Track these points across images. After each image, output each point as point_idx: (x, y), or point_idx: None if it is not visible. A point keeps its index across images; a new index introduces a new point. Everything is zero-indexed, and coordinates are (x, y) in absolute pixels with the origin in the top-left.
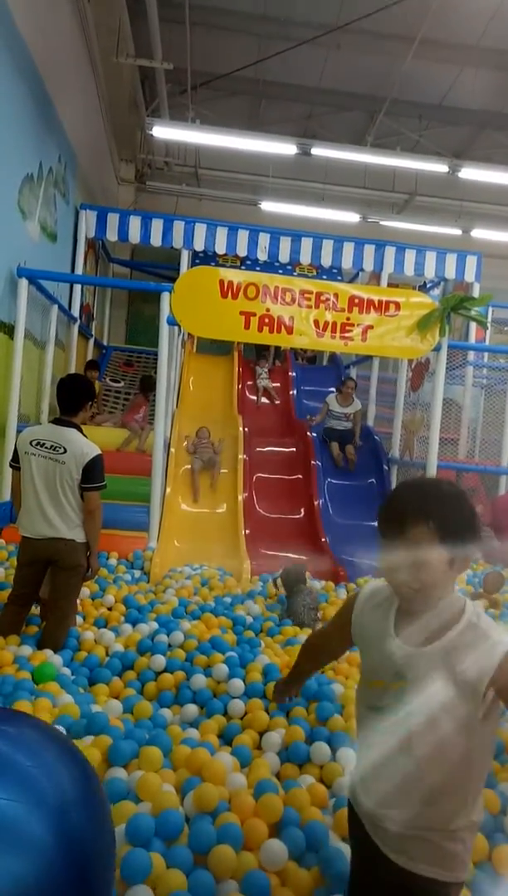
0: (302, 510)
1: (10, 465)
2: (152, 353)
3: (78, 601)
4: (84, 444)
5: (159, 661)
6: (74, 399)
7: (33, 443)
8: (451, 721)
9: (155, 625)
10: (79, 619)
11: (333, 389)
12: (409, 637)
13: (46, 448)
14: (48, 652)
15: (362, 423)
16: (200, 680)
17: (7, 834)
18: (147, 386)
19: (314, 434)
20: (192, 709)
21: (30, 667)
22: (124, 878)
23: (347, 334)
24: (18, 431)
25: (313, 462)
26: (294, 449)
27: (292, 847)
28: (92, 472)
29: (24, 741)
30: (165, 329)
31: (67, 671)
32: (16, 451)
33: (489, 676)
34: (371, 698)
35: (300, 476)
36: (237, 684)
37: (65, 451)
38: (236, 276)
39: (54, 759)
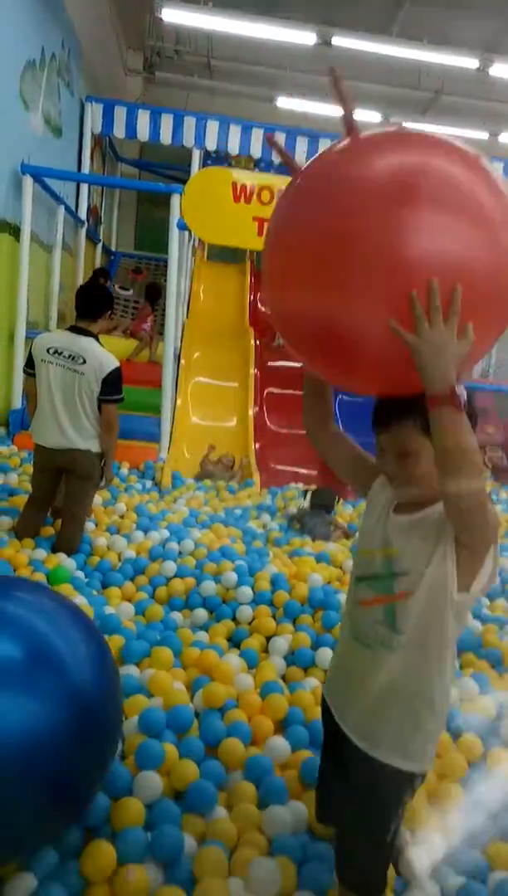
0: None
1: (25, 371)
2: (162, 260)
3: (91, 508)
4: (104, 355)
5: (170, 567)
6: (93, 306)
7: (50, 350)
8: (429, 592)
9: (166, 533)
10: (91, 525)
11: None
12: (402, 509)
13: (65, 357)
14: (62, 556)
15: None
16: (209, 586)
17: (20, 682)
18: (153, 294)
19: None
20: (201, 613)
21: (45, 569)
22: (139, 766)
23: None
24: (28, 339)
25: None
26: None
27: (296, 744)
28: (111, 385)
29: (41, 606)
30: (175, 234)
31: (80, 574)
32: (31, 357)
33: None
34: (359, 568)
35: None
36: (246, 591)
37: (84, 361)
38: (249, 178)
39: (67, 622)
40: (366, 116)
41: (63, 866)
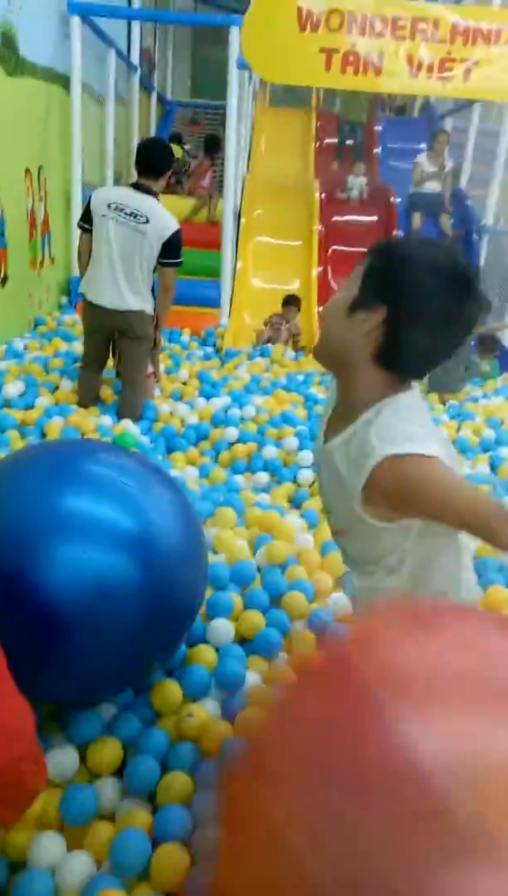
0: None
1: (80, 226)
2: (221, 108)
3: (161, 373)
4: (166, 217)
5: (232, 432)
6: (156, 163)
7: (111, 206)
8: (360, 524)
9: (228, 399)
10: (156, 392)
11: (424, 147)
12: (329, 426)
13: (127, 214)
14: (127, 422)
15: (451, 186)
16: (271, 451)
17: (116, 540)
18: (212, 147)
19: (399, 200)
20: (263, 476)
21: (111, 435)
22: (210, 615)
23: (446, 73)
24: (84, 200)
25: (394, 233)
26: (375, 218)
27: None
28: (173, 248)
29: (129, 468)
30: (234, 74)
31: (145, 440)
32: (87, 212)
33: (360, 486)
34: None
35: None
36: (307, 456)
37: (147, 221)
38: (316, 1)
39: (153, 483)
40: None
41: (137, 699)
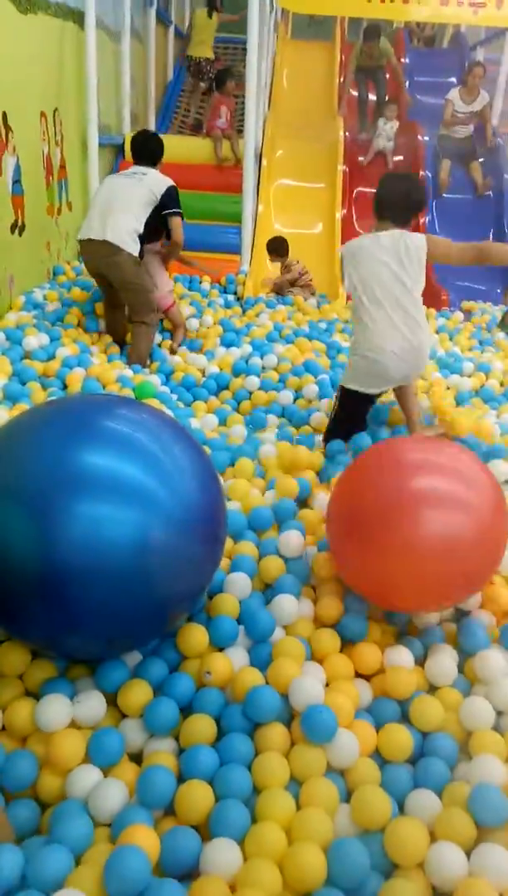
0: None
1: None
2: (240, 42)
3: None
4: (163, 176)
5: (253, 381)
6: (149, 152)
7: (116, 175)
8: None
9: (249, 348)
10: (176, 358)
11: (454, 81)
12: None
13: (128, 174)
14: (147, 372)
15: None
16: (287, 397)
17: (133, 495)
18: (221, 80)
19: (426, 138)
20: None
21: (131, 385)
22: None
23: (479, 0)
24: (101, 145)
25: (422, 173)
26: (401, 157)
27: None
28: (172, 199)
29: (146, 423)
30: (254, 4)
31: (165, 390)
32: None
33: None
34: None
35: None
36: (327, 404)
37: (145, 174)
38: None
39: (170, 436)
40: None
41: (163, 644)
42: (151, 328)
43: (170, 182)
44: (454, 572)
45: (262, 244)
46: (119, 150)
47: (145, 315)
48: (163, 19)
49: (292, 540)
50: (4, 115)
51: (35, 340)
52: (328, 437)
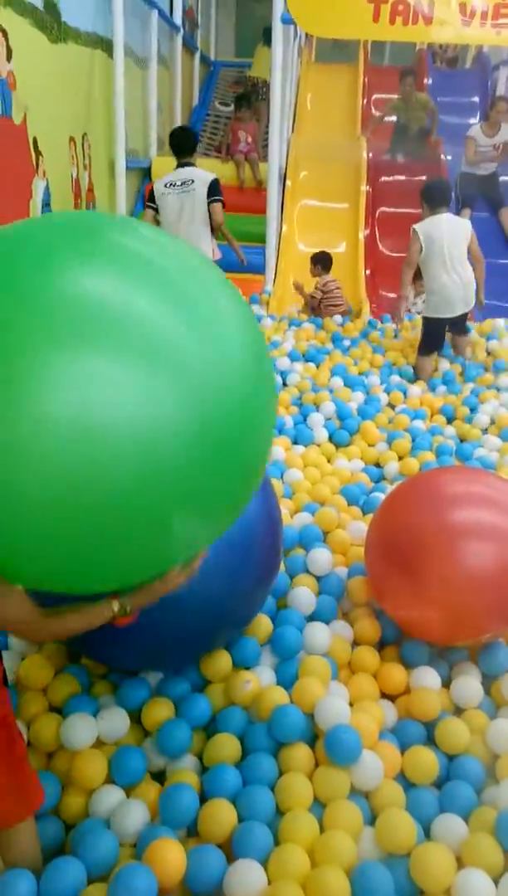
0: None
1: (147, 206)
2: None
3: None
4: (205, 172)
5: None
6: (185, 145)
7: (167, 185)
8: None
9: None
10: None
11: (477, 101)
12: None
13: (178, 186)
14: None
15: None
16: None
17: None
18: (239, 104)
19: (449, 157)
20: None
21: None
22: None
23: (501, 20)
24: (128, 168)
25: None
26: (424, 178)
27: None
28: (214, 188)
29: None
30: (278, 30)
31: None
32: (152, 195)
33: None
34: None
35: None
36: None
37: (193, 181)
38: None
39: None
40: None
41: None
42: None
43: (213, 176)
44: (495, 605)
45: (286, 263)
46: (146, 173)
47: None
48: (189, 46)
49: (320, 558)
50: (35, 140)
51: None
52: (420, 352)
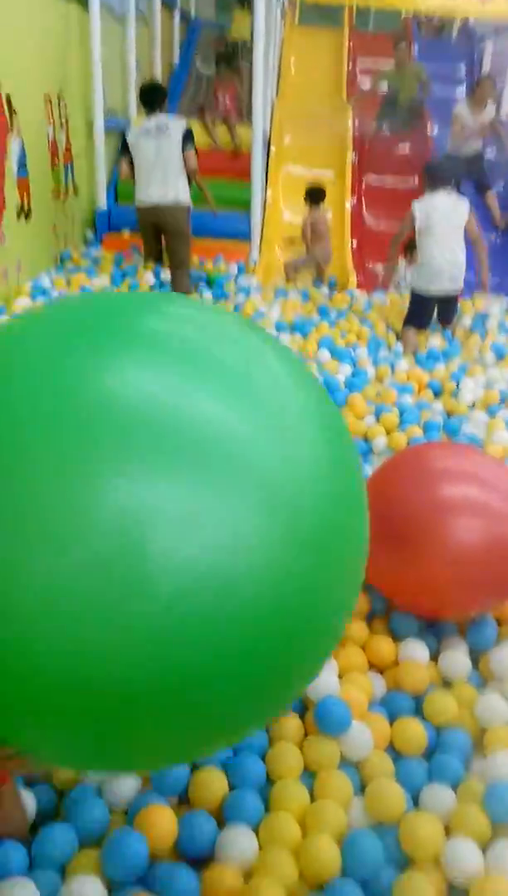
0: None
1: (121, 154)
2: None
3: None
4: (179, 120)
5: None
6: (156, 98)
7: (141, 131)
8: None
9: None
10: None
11: (463, 69)
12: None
13: (153, 131)
14: None
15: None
16: None
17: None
18: (221, 62)
19: (436, 126)
20: None
21: None
22: None
23: None
24: (107, 129)
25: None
26: (413, 151)
27: None
28: (188, 136)
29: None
30: None
31: None
32: (124, 143)
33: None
34: None
35: (417, 180)
36: None
37: (168, 127)
38: None
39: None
40: None
41: None
42: (189, 272)
43: (186, 124)
44: (484, 580)
45: (271, 232)
46: (124, 133)
47: (188, 262)
48: (168, 3)
49: None
50: (9, 97)
51: None
52: (405, 324)
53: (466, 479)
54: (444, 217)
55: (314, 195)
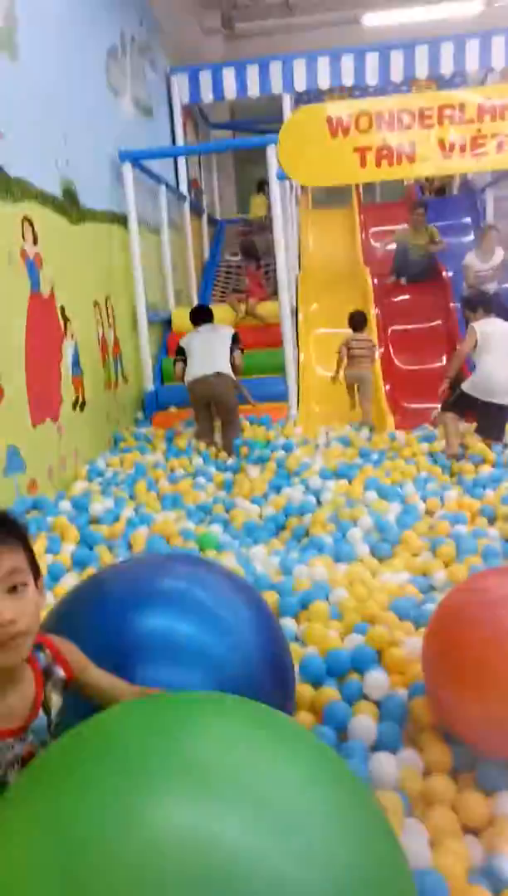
0: (444, 357)
1: (176, 360)
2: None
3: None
4: (226, 326)
5: (308, 519)
6: (205, 316)
7: (194, 334)
8: None
9: (301, 487)
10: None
11: (469, 221)
12: None
13: (205, 332)
14: (206, 521)
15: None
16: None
17: (195, 656)
18: (247, 253)
19: (450, 273)
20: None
21: (194, 537)
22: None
23: (479, 150)
24: (150, 322)
25: (451, 304)
26: (431, 296)
27: None
28: (236, 340)
29: (205, 580)
30: (275, 185)
31: (226, 537)
32: (180, 349)
33: None
34: None
35: (440, 322)
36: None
37: (217, 328)
38: (344, 108)
39: (231, 593)
40: (464, 9)
41: None
42: (239, 428)
43: (233, 329)
44: None
45: (306, 388)
46: (166, 324)
47: (238, 424)
48: (196, 210)
49: (377, 681)
50: (63, 308)
51: (100, 506)
52: (443, 407)
53: None
54: (503, 337)
55: (354, 320)
